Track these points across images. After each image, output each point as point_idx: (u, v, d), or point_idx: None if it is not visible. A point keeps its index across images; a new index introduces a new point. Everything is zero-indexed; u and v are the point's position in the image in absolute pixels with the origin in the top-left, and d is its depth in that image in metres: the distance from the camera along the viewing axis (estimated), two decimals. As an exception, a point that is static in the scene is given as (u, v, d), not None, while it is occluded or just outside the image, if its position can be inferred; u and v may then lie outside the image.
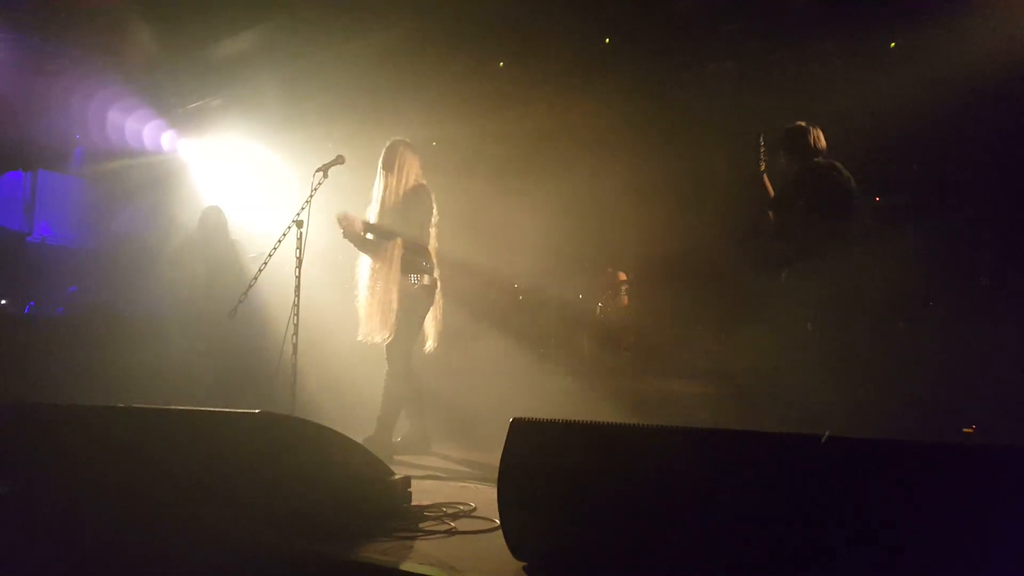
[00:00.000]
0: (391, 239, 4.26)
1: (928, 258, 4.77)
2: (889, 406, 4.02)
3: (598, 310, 6.61)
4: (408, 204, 4.32)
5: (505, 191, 6.13)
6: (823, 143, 4.23)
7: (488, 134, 6.30)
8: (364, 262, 4.36)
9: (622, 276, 6.63)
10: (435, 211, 4.47)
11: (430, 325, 4.43)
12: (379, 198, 4.38)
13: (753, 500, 1.84)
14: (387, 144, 4.44)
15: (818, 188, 4.09)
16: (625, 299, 6.52)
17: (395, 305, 4.19)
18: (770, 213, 4.41)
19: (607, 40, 6.06)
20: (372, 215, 4.38)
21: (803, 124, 4.25)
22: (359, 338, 4.28)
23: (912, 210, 5.06)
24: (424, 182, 4.46)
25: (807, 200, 4.13)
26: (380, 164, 4.42)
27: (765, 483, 1.84)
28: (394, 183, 4.34)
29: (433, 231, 4.47)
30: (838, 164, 4.18)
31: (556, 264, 6.56)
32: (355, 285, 4.35)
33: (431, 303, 4.41)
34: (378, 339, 4.22)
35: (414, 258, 4.30)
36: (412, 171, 4.41)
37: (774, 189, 4.36)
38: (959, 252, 4.85)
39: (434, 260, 4.44)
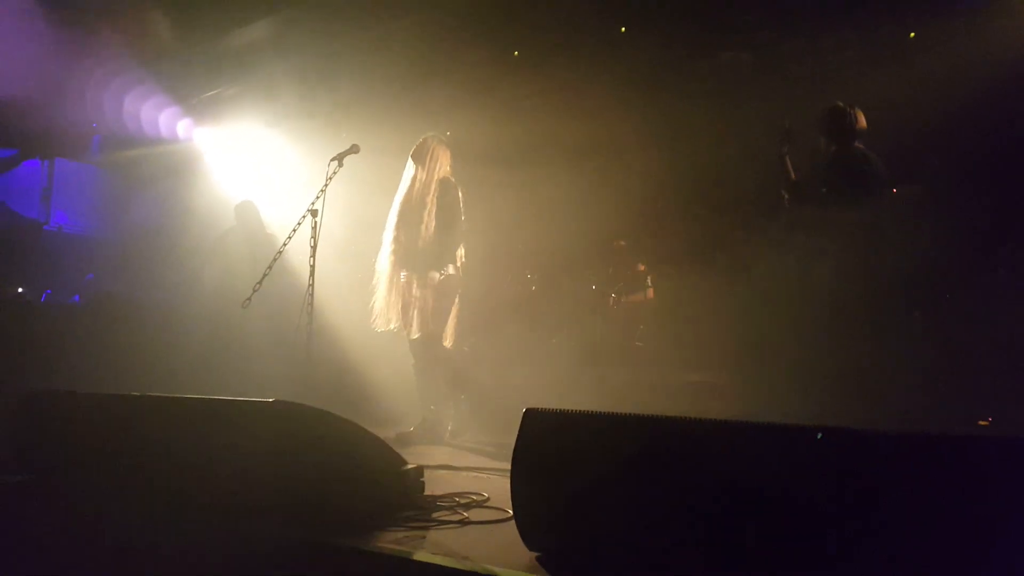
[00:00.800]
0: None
1: (944, 249, 4.72)
2: (902, 396, 3.99)
3: (611, 300, 6.59)
4: (437, 197, 4.39)
5: (519, 181, 6.12)
6: (863, 124, 4.14)
7: (503, 123, 6.27)
8: (384, 254, 4.41)
9: (642, 267, 6.59)
10: (461, 204, 4.51)
11: (453, 316, 4.49)
12: (406, 189, 4.44)
13: (765, 491, 1.83)
14: (421, 139, 4.52)
15: (844, 175, 4.03)
16: (651, 291, 6.49)
17: (429, 300, 4.29)
18: (786, 196, 4.36)
19: (623, 29, 6.02)
20: (396, 204, 4.45)
21: (841, 104, 4.16)
22: (378, 329, 4.34)
23: (928, 202, 5.01)
24: (452, 178, 4.52)
25: (832, 186, 4.07)
26: (411, 157, 4.48)
27: (778, 475, 1.83)
28: (423, 176, 4.40)
29: (461, 226, 4.53)
30: (872, 155, 4.11)
31: (571, 254, 6.55)
32: (374, 274, 4.40)
33: (456, 293, 4.48)
34: (395, 330, 4.30)
35: (442, 249, 4.37)
36: (443, 166, 4.48)
37: (798, 172, 4.31)
38: (975, 244, 4.80)
39: (459, 253, 4.48)
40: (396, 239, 4.38)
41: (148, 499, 2.61)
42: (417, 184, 4.40)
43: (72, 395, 3.10)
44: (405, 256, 4.35)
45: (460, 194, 4.51)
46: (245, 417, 2.61)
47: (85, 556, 2.61)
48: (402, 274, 4.35)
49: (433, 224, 4.34)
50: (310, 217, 3.79)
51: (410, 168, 4.46)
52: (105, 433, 2.89)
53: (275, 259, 3.75)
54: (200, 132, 7.41)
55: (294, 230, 3.80)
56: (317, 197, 3.81)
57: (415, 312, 4.28)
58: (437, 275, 4.32)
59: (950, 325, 4.69)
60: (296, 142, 6.78)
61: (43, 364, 5.07)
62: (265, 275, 3.66)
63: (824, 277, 4.15)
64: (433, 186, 4.41)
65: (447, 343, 4.46)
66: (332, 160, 4.00)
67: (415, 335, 4.30)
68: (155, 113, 7.11)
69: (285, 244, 3.82)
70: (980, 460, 1.66)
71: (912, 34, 5.29)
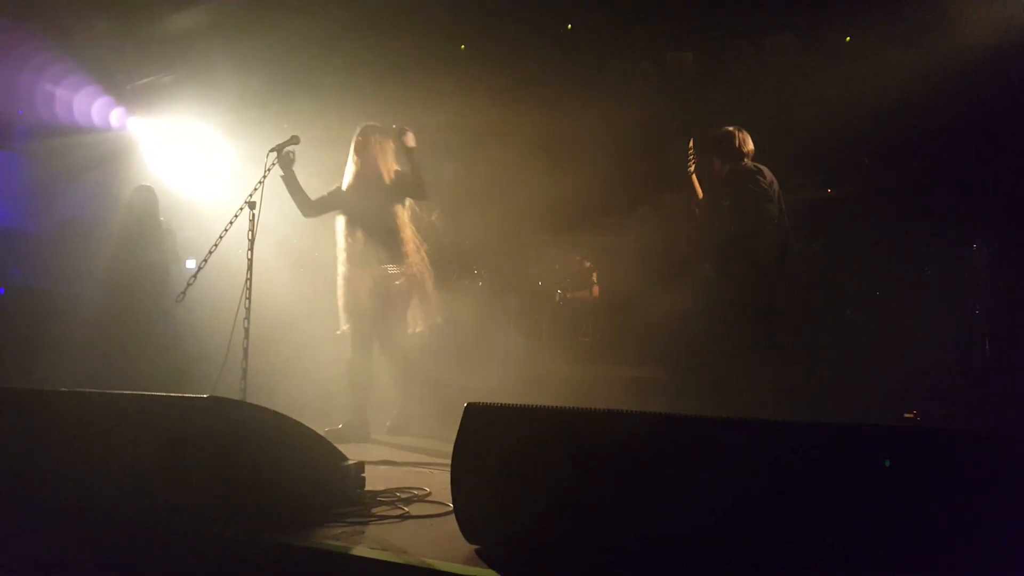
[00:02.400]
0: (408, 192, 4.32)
1: (875, 248, 4.89)
2: (833, 392, 4.14)
3: (557, 296, 6.62)
4: (393, 192, 4.32)
5: (466, 175, 6.09)
6: (750, 146, 4.46)
7: (449, 116, 6.24)
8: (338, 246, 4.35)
9: (587, 264, 6.65)
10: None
11: (417, 308, 4.47)
12: (351, 184, 4.33)
13: (705, 485, 1.86)
14: (359, 129, 4.37)
15: (739, 189, 4.34)
16: (596, 289, 6.55)
17: (376, 293, 4.24)
18: (696, 211, 4.63)
19: (568, 26, 6.06)
20: (344, 202, 4.36)
21: (731, 129, 4.48)
22: (338, 332, 4.32)
23: (861, 202, 5.19)
24: (400, 168, 4.43)
25: (731, 200, 4.38)
26: (352, 150, 4.34)
27: (717, 468, 1.86)
28: (371, 171, 4.30)
29: (413, 211, 4.49)
30: (763, 168, 4.38)
31: (518, 250, 6.56)
32: (334, 273, 4.35)
33: (418, 286, 4.45)
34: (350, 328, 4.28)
35: (399, 240, 4.32)
36: (390, 157, 4.38)
37: (705, 189, 4.58)
38: (905, 243, 4.99)
39: (413, 245, 4.44)
40: (351, 236, 4.31)
41: (76, 499, 2.52)
42: (364, 179, 4.29)
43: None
44: (363, 253, 4.28)
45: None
46: (178, 413, 2.55)
47: (8, 558, 2.50)
48: (363, 270, 4.29)
49: (389, 220, 4.29)
50: (248, 209, 3.70)
51: (354, 163, 4.32)
52: (30, 430, 2.78)
53: (211, 252, 3.65)
54: (134, 121, 7.16)
55: (231, 222, 3.70)
56: (255, 189, 3.72)
57: (378, 307, 4.26)
58: (398, 269, 4.29)
59: (880, 323, 4.86)
60: (235, 132, 6.61)
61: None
62: (200, 268, 3.56)
63: (727, 280, 4.35)
64: (384, 180, 4.32)
65: (418, 329, 4.46)
66: (271, 151, 3.91)
67: (374, 329, 4.28)
68: (86, 100, 6.84)
69: (221, 237, 3.72)
70: (950, 456, 1.69)
71: (848, 38, 5.46)
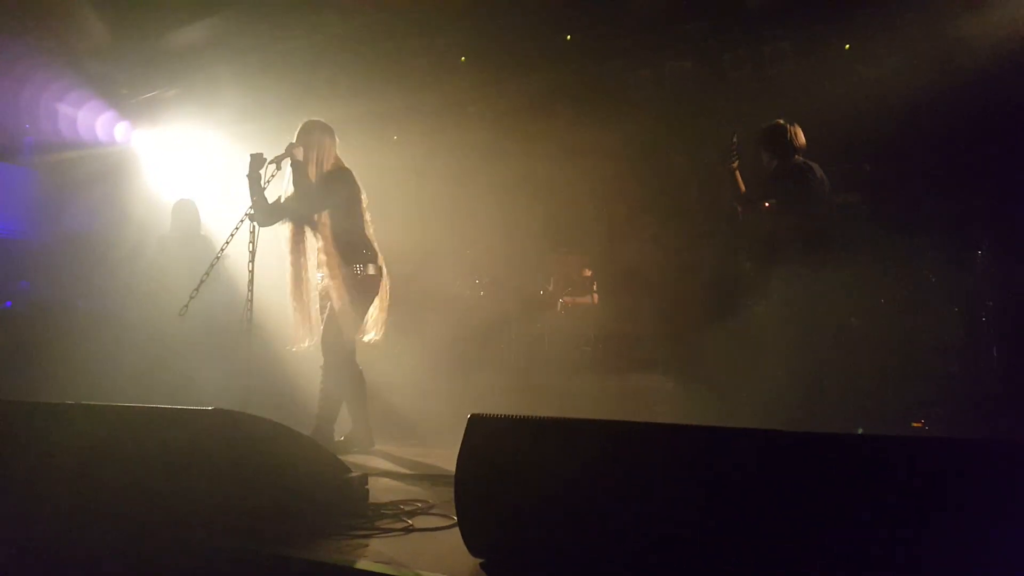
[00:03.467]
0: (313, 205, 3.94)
1: (879, 255, 4.88)
2: (843, 399, 4.11)
3: (559, 306, 6.63)
4: (327, 191, 3.98)
5: (468, 186, 6.12)
6: (801, 140, 4.33)
7: (452, 128, 6.27)
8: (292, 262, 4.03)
9: (587, 272, 6.66)
10: (364, 195, 4.12)
11: (375, 316, 4.14)
12: (293, 188, 4.02)
13: (712, 496, 1.85)
14: (300, 125, 4.07)
15: (788, 187, 4.21)
16: (596, 296, 6.56)
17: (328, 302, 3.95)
18: (739, 208, 4.49)
19: (568, 37, 6.08)
20: (285, 207, 4.05)
21: (781, 122, 4.35)
22: (291, 348, 4.01)
23: (864, 210, 5.18)
24: (345, 166, 4.12)
25: (779, 197, 4.25)
26: (292, 150, 3.99)
27: (725, 479, 1.85)
28: (310, 170, 3.98)
29: (367, 216, 4.13)
30: (814, 165, 4.27)
31: (520, 259, 6.56)
32: (285, 287, 4.02)
33: (375, 293, 4.11)
34: (312, 343, 3.99)
35: (351, 246, 4.00)
36: (328, 156, 4.06)
37: (749, 185, 4.46)
38: (909, 250, 4.98)
39: (375, 247, 4.12)
40: (294, 245, 4.01)
41: (82, 510, 2.53)
42: (305, 180, 3.94)
43: (2, 404, 2.99)
44: (309, 260, 4.01)
45: (359, 182, 4.11)
46: (183, 426, 2.55)
47: (15, 569, 2.51)
48: (309, 279, 4.01)
49: (331, 222, 3.97)
50: (248, 221, 3.70)
51: (293, 164, 3.96)
52: (38, 442, 2.79)
53: (212, 265, 3.65)
54: (138, 135, 7.21)
55: (232, 235, 3.69)
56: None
57: (328, 315, 3.96)
58: (355, 273, 3.98)
59: (885, 331, 4.85)
60: (238, 145, 6.64)
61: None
62: (202, 282, 3.56)
63: (769, 284, 4.28)
64: (322, 179, 3.99)
65: (376, 337, 4.16)
66: (269, 163, 3.89)
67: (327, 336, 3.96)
68: (91, 115, 6.89)
69: (223, 249, 3.72)
70: (928, 462, 1.69)
71: (847, 46, 5.47)
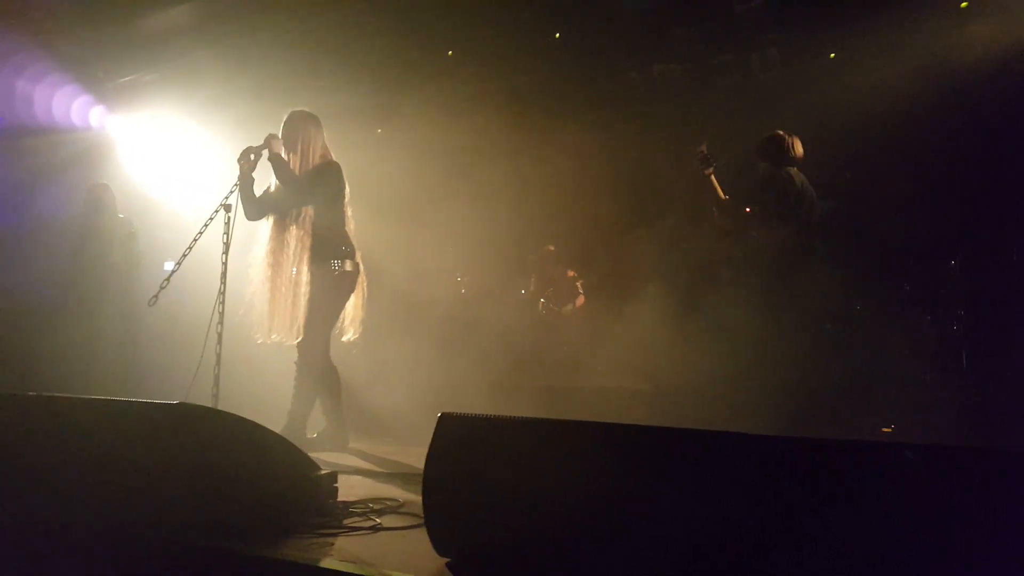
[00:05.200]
0: (292, 188, 3.85)
1: (856, 263, 4.92)
2: (813, 405, 4.14)
3: (540, 306, 6.61)
4: (316, 183, 3.90)
5: (450, 184, 6.08)
6: (798, 151, 4.36)
7: (436, 123, 6.23)
8: (260, 250, 3.94)
9: (571, 273, 6.64)
10: (347, 189, 4.06)
11: (351, 314, 4.08)
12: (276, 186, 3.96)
13: (682, 497, 1.84)
14: (286, 117, 3.99)
15: (768, 194, 4.26)
16: (581, 298, 6.54)
17: (304, 298, 3.84)
18: (716, 213, 4.53)
19: (557, 35, 6.06)
20: (267, 197, 4.00)
21: (780, 133, 4.38)
22: (259, 340, 3.88)
23: (842, 216, 5.22)
24: (332, 159, 4.04)
25: (759, 204, 4.30)
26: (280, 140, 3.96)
27: (696, 480, 1.84)
28: (296, 162, 3.90)
29: (348, 211, 4.07)
30: (798, 174, 4.30)
31: (502, 259, 6.54)
32: (252, 275, 3.92)
33: (352, 290, 4.04)
34: (288, 340, 3.88)
35: (330, 242, 3.94)
36: (316, 148, 3.98)
37: (726, 191, 4.49)
38: (885, 259, 5.02)
39: (354, 243, 4.06)
40: (275, 237, 3.93)
41: (40, 506, 2.46)
42: (289, 173, 3.87)
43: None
44: (290, 254, 3.92)
45: (344, 176, 4.04)
46: (147, 420, 2.50)
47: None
48: (288, 273, 3.91)
49: (314, 216, 3.90)
50: (223, 212, 3.64)
51: (270, 157, 3.89)
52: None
53: (184, 255, 3.59)
54: (114, 120, 7.08)
55: (205, 225, 3.64)
56: (231, 191, 3.66)
57: (303, 312, 3.88)
58: (332, 269, 3.90)
59: (859, 337, 4.89)
60: (216, 132, 6.55)
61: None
62: (173, 272, 3.51)
63: (746, 289, 4.30)
64: (309, 172, 3.91)
65: (354, 336, 4.12)
66: (245, 153, 3.83)
67: (299, 337, 3.89)
68: (65, 99, 6.75)
69: (196, 239, 3.65)
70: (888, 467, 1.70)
71: (832, 55, 5.50)
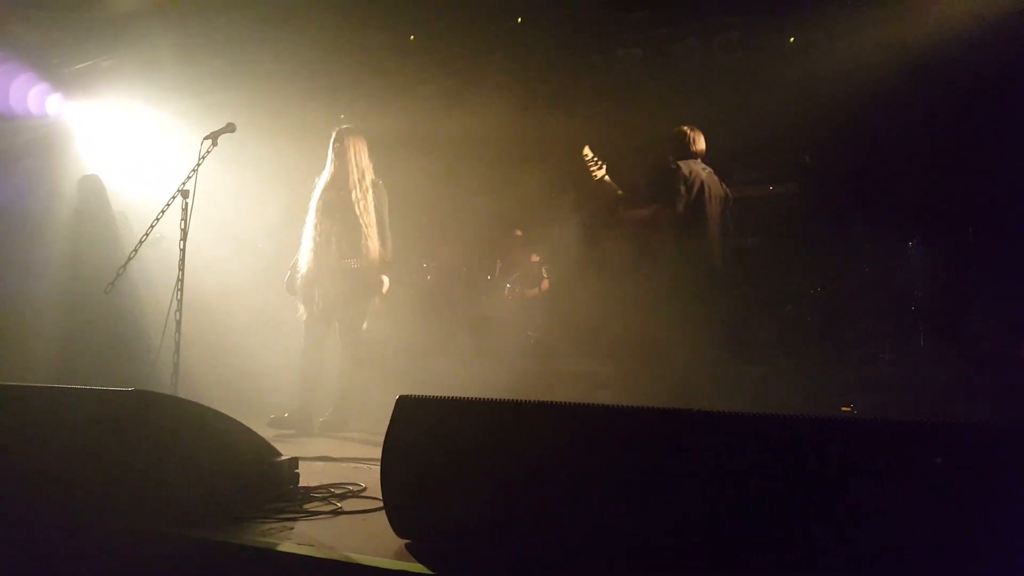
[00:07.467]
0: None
1: (815, 245, 5.00)
2: (773, 383, 4.21)
3: (506, 291, 6.62)
4: (374, 199, 4.55)
5: (414, 168, 6.03)
6: (700, 145, 4.55)
7: (398, 109, 6.17)
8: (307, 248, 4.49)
9: (535, 258, 6.65)
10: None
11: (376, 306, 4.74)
12: (329, 185, 4.50)
13: (640, 476, 1.86)
14: (334, 134, 4.59)
15: (657, 186, 4.51)
16: (546, 283, 6.55)
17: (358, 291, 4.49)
18: (619, 208, 4.72)
19: (519, 19, 6.02)
20: (314, 200, 4.54)
21: (684, 128, 4.58)
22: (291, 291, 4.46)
23: (802, 200, 5.29)
24: (378, 179, 4.66)
25: (651, 194, 4.55)
26: (332, 152, 4.56)
27: (653, 459, 1.86)
28: (343, 172, 4.50)
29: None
30: (697, 166, 4.47)
31: (466, 244, 6.53)
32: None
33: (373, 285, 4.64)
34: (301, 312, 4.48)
35: (381, 252, 4.58)
36: (364, 159, 4.61)
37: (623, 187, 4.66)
38: (845, 241, 5.10)
39: (378, 242, 4.62)
40: (319, 229, 4.46)
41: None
42: (338, 180, 4.49)
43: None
44: (327, 247, 4.43)
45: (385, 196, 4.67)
46: (103, 408, 2.48)
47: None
48: (327, 264, 4.43)
49: (363, 224, 4.47)
50: (180, 198, 3.59)
51: (332, 165, 4.55)
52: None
53: (141, 241, 3.53)
54: (71, 107, 6.90)
55: (163, 211, 3.59)
56: (188, 177, 3.61)
57: (339, 301, 4.43)
58: (359, 264, 4.45)
59: (819, 318, 4.97)
60: (176, 118, 6.42)
61: None
62: (130, 259, 3.45)
63: (661, 271, 4.41)
64: (362, 184, 4.53)
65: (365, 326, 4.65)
66: (206, 138, 3.81)
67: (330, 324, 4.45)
68: (20, 85, 6.57)
69: (153, 225, 3.60)
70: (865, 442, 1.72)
71: (792, 39, 5.54)
